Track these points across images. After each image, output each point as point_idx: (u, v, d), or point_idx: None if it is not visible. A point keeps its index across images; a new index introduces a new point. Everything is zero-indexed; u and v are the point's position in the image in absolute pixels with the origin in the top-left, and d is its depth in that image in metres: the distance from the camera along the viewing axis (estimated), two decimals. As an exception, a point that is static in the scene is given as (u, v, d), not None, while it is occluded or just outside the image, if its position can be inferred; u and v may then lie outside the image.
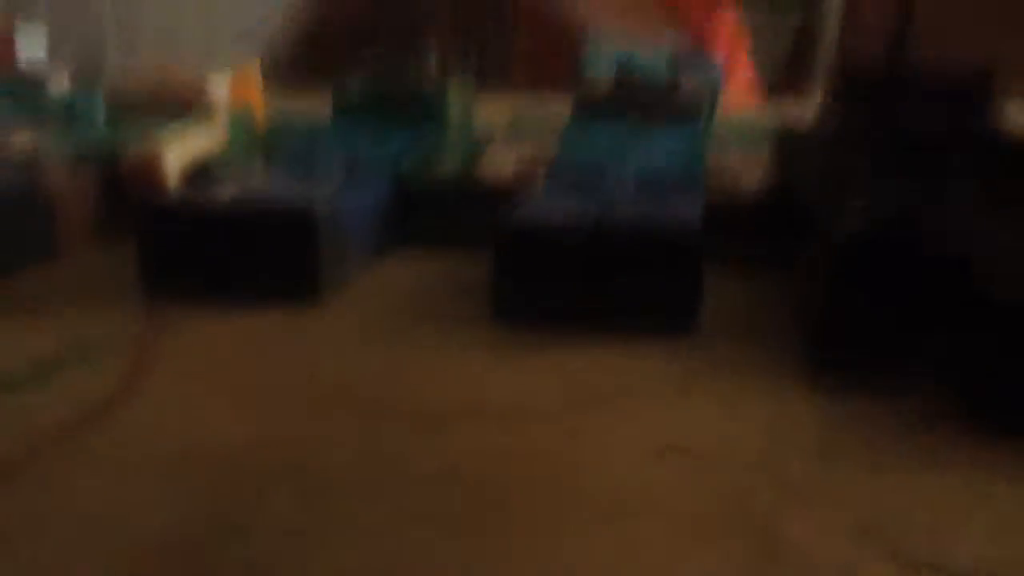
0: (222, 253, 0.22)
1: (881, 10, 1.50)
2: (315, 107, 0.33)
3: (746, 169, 0.28)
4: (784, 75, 1.70)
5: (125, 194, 0.27)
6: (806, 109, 0.35)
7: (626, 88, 0.32)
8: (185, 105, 0.32)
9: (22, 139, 0.30)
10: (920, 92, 0.27)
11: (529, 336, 0.20)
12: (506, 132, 0.31)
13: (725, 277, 0.24)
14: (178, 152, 0.28)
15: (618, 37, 0.38)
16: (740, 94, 0.86)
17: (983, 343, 0.15)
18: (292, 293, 0.22)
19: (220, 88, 0.33)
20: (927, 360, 0.17)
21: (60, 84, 0.39)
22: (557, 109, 0.33)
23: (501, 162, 0.28)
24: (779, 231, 0.24)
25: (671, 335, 0.20)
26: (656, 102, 0.31)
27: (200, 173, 0.28)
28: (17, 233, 0.24)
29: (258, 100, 0.35)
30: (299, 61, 0.68)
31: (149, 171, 0.27)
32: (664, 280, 0.20)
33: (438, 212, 0.26)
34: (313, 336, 0.20)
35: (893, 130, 0.24)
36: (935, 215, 0.18)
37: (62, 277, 0.24)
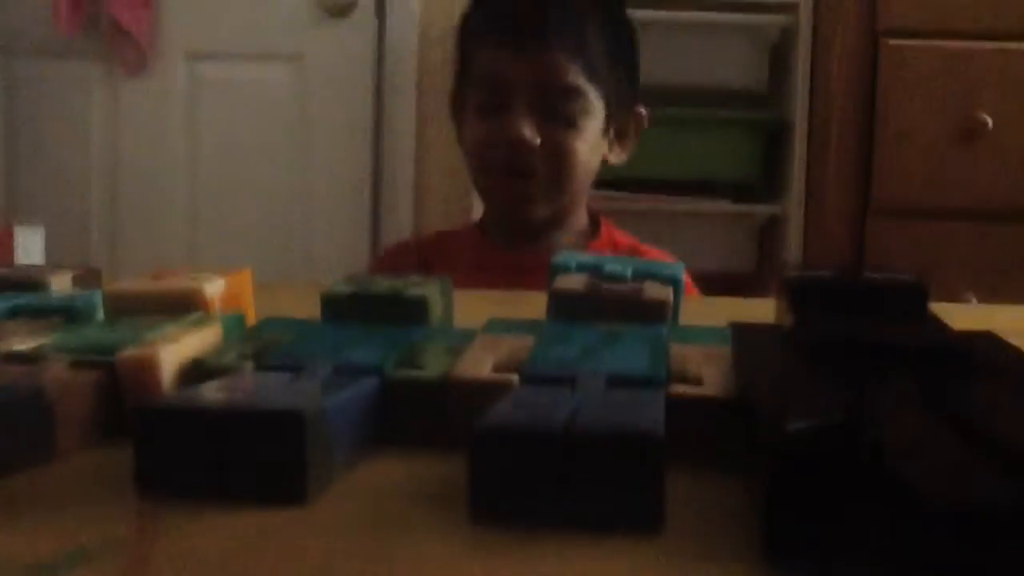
0: (214, 453, 0.23)
1: (840, 217, 1.57)
2: (305, 309, 0.36)
3: (708, 366, 0.30)
4: (753, 268, 1.76)
5: (122, 395, 0.28)
6: (769, 308, 0.37)
7: (595, 292, 0.35)
8: (181, 308, 0.34)
9: (24, 339, 0.32)
10: (866, 302, 0.30)
11: (505, 537, 0.21)
12: (484, 333, 0.33)
13: (692, 471, 0.25)
14: (173, 354, 0.29)
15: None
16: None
17: (916, 544, 0.16)
18: (280, 492, 0.23)
19: (215, 292, 0.35)
20: (872, 555, 0.18)
21: (62, 285, 0.41)
22: (531, 313, 0.36)
23: (479, 362, 0.29)
24: (739, 428, 0.26)
25: (639, 533, 0.21)
26: (623, 306, 0.34)
27: (194, 374, 0.29)
28: (16, 434, 0.25)
29: (250, 304, 0.38)
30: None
31: (145, 373, 0.28)
32: (629, 482, 0.22)
33: (420, 412, 0.28)
34: (298, 539, 0.21)
35: (840, 336, 0.27)
36: (875, 420, 0.20)
37: (59, 478, 0.25)
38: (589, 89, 0.94)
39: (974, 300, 1.48)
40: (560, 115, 0.93)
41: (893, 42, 1.57)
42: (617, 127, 1.01)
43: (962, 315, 0.37)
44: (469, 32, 1.00)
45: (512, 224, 1.00)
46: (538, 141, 0.92)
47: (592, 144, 0.96)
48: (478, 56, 0.97)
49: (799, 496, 0.18)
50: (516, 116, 0.92)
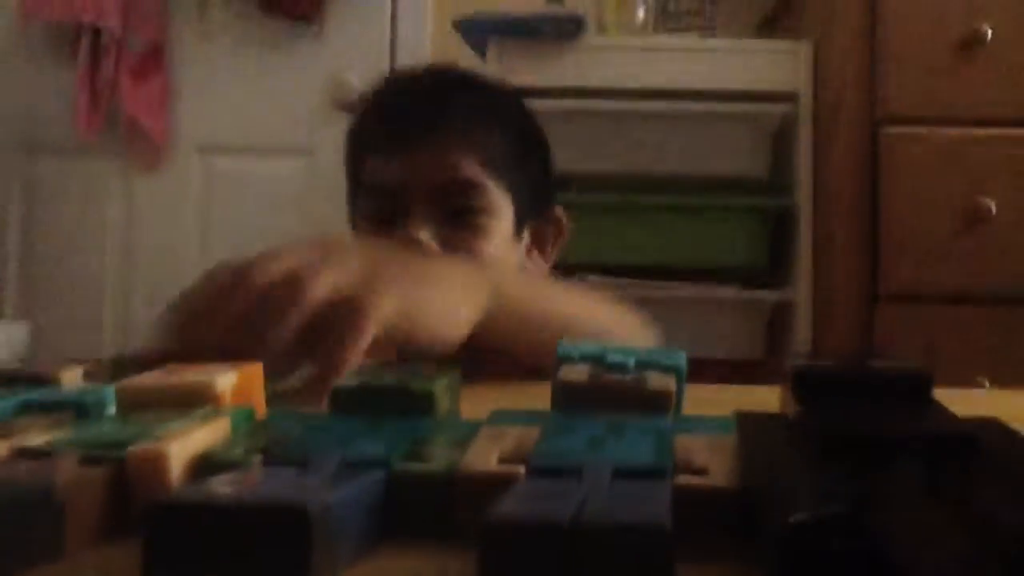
0: (220, 548, 0.23)
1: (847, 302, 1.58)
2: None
3: (714, 456, 0.30)
4: (761, 355, 1.75)
5: (131, 491, 0.29)
6: (775, 396, 0.37)
7: (599, 384, 0.35)
8: (192, 402, 0.34)
9: (34, 435, 0.32)
10: (870, 390, 0.30)
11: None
12: (489, 424, 0.33)
13: (699, 562, 0.25)
14: (183, 449, 0.30)
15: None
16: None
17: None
18: (287, 588, 0.23)
19: (225, 386, 0.35)
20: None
21: (72, 380, 0.42)
22: (536, 403, 0.36)
23: (485, 454, 0.29)
24: (744, 518, 0.26)
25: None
26: (627, 397, 0.34)
27: (203, 469, 0.30)
28: (26, 532, 0.25)
29: (260, 398, 0.38)
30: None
31: (154, 468, 0.29)
32: (638, 574, 0.22)
33: (426, 505, 0.28)
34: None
35: (843, 427, 0.27)
36: (877, 511, 0.20)
37: (66, 573, 0.25)
38: (490, 185, 0.86)
39: (987, 384, 1.47)
40: (461, 215, 0.85)
41: (893, 130, 1.59)
42: (533, 232, 0.93)
43: (969, 401, 0.37)
44: (357, 141, 0.94)
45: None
46: (435, 246, 0.82)
47: (502, 248, 0.87)
48: (368, 164, 0.89)
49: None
50: (411, 222, 0.83)
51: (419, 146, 0.85)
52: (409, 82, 0.95)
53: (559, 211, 0.97)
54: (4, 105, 2.20)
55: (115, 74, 2.12)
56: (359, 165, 0.91)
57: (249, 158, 2.17)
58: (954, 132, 1.59)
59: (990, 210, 1.56)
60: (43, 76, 2.19)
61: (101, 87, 2.12)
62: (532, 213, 0.91)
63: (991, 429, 0.30)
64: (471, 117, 0.88)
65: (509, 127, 0.91)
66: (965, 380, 1.44)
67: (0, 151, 2.21)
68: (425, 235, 0.82)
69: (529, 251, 0.93)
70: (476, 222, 0.85)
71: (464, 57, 1.84)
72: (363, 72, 2.10)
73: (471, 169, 0.86)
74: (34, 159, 2.22)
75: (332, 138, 2.13)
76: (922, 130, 1.60)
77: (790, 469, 0.24)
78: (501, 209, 0.87)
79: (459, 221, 0.85)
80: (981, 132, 1.59)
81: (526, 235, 0.92)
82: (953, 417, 0.29)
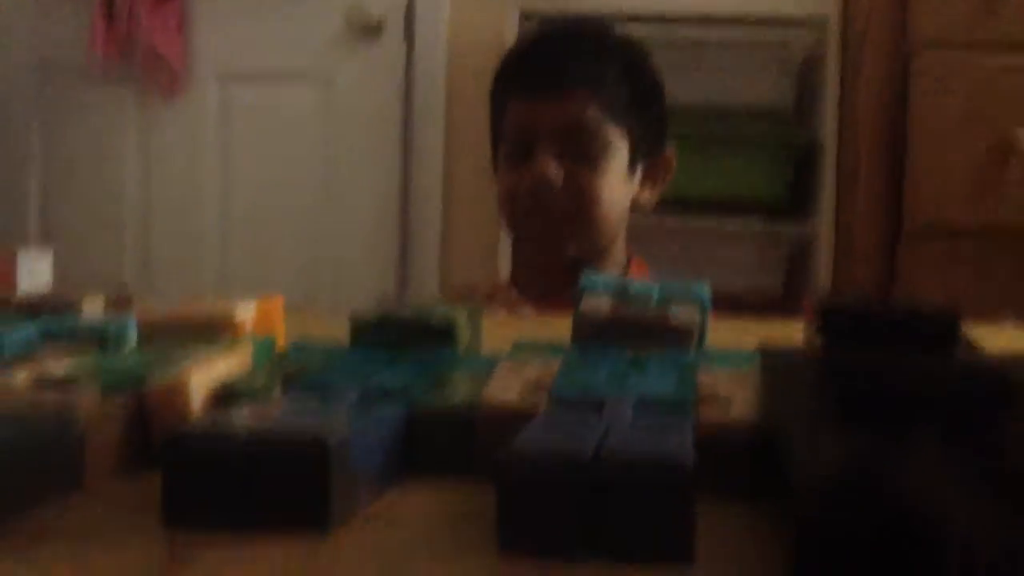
0: (240, 482, 0.23)
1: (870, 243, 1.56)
2: (334, 334, 0.36)
3: (736, 392, 0.30)
4: (781, 289, 1.74)
5: (151, 422, 0.29)
6: (797, 331, 0.37)
7: (621, 317, 0.34)
8: (212, 332, 0.34)
9: (55, 364, 0.32)
10: (897, 330, 0.29)
11: (534, 565, 0.21)
12: (510, 357, 0.33)
13: (720, 499, 0.25)
14: (203, 379, 0.30)
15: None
16: None
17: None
18: (306, 521, 0.23)
19: (245, 317, 0.35)
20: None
21: (93, 311, 0.42)
22: (558, 335, 0.36)
23: (506, 388, 0.29)
24: (767, 457, 0.26)
25: (669, 564, 0.21)
26: (649, 330, 0.34)
27: (223, 399, 0.30)
28: (46, 463, 0.25)
29: (280, 329, 0.38)
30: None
31: (175, 399, 0.29)
32: (659, 510, 0.21)
33: (447, 438, 0.28)
34: (323, 569, 0.21)
35: (870, 369, 0.26)
36: (902, 471, 0.20)
37: (87, 508, 0.25)
38: (610, 129, 0.98)
39: (1013, 320, 1.45)
40: (582, 155, 0.97)
41: (924, 58, 1.55)
42: (645, 169, 1.04)
43: (999, 337, 0.36)
44: (498, 90, 1.06)
45: (544, 268, 1.03)
46: (560, 181, 0.96)
47: (616, 184, 1.00)
48: (506, 110, 1.02)
49: (825, 547, 0.18)
50: (539, 159, 0.97)
51: (548, 93, 0.99)
52: (546, 34, 1.11)
53: (670, 151, 1.08)
54: (21, 32, 2.18)
55: (132, 1, 2.10)
56: (498, 114, 1.05)
57: (267, 86, 2.15)
58: (988, 61, 1.55)
59: (1021, 142, 1.53)
60: (60, 3, 2.16)
61: (118, 13, 2.10)
62: (646, 152, 1.03)
63: (1021, 365, 0.29)
64: (597, 67, 1.00)
65: (630, 76, 1.02)
66: (991, 317, 1.43)
67: (18, 77, 2.20)
68: (550, 172, 0.96)
69: (641, 185, 1.04)
70: (594, 162, 0.98)
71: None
72: (381, -1, 2.06)
73: (594, 115, 0.98)
74: (51, 85, 2.20)
75: (351, 66, 2.10)
76: (954, 55, 1.55)
77: (815, 418, 0.23)
78: (618, 149, 0.99)
79: (579, 160, 0.98)
80: (1017, 60, 1.55)
81: (639, 172, 1.04)
82: (983, 355, 0.29)
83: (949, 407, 0.23)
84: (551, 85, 0.99)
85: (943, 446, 0.21)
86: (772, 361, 0.29)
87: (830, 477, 0.19)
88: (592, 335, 0.35)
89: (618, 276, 0.98)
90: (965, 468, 0.19)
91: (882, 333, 0.28)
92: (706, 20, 1.67)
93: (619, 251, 1.04)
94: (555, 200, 0.97)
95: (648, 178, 1.06)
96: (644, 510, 0.21)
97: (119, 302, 0.44)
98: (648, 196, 1.06)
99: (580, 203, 0.98)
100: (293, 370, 0.32)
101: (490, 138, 1.10)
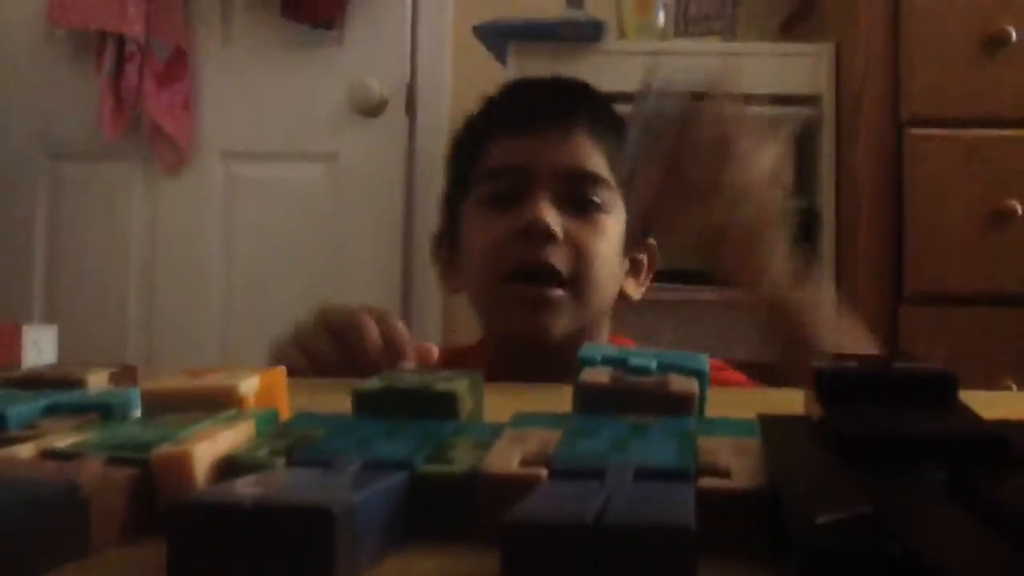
0: (244, 548, 0.23)
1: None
2: (337, 405, 0.36)
3: (737, 458, 0.30)
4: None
5: (156, 492, 0.29)
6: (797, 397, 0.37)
7: (621, 385, 0.35)
8: (216, 405, 0.35)
9: (60, 437, 0.32)
10: (895, 392, 0.30)
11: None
12: (512, 426, 0.33)
13: (722, 565, 0.25)
14: (207, 450, 0.30)
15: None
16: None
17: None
18: (310, 589, 0.23)
19: (249, 390, 0.36)
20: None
21: (99, 383, 0.42)
22: (558, 406, 0.36)
23: (508, 456, 0.29)
24: (769, 521, 0.26)
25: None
26: (650, 398, 0.34)
27: (227, 470, 0.30)
28: (51, 530, 0.25)
29: (284, 401, 0.38)
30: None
31: (179, 469, 0.29)
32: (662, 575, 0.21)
33: (448, 506, 0.28)
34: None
35: (868, 428, 0.27)
36: (903, 512, 0.20)
37: (93, 575, 0.25)
38: (611, 182, 0.86)
39: (1014, 387, 1.45)
40: (583, 208, 0.84)
41: (917, 132, 1.58)
42: (631, 254, 0.93)
43: (995, 403, 0.37)
44: (478, 130, 0.92)
45: (526, 347, 0.84)
46: (562, 232, 0.81)
47: (614, 250, 0.87)
48: (492, 150, 0.87)
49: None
50: (537, 204, 0.81)
51: (550, 128, 0.85)
52: (537, 80, 0.96)
53: (653, 242, 0.97)
54: (29, 111, 2.23)
55: (139, 80, 2.14)
56: (479, 152, 0.89)
57: (271, 163, 2.19)
58: (978, 133, 1.58)
59: (1015, 211, 1.55)
60: (67, 82, 2.21)
61: (125, 93, 2.14)
62: (631, 233, 0.91)
63: (1019, 430, 0.29)
64: (600, 117, 0.89)
65: (624, 143, 0.91)
66: (993, 383, 1.43)
67: (26, 156, 2.24)
68: (553, 219, 0.81)
69: (627, 273, 0.93)
70: (596, 216, 0.85)
71: (484, 62, 1.84)
72: (384, 77, 2.11)
73: (599, 160, 0.86)
74: (58, 164, 2.24)
75: (354, 142, 2.14)
76: (945, 131, 1.58)
77: (815, 471, 0.24)
78: (618, 212, 0.87)
79: (580, 213, 0.84)
80: (1005, 133, 1.58)
81: (627, 254, 0.92)
82: (980, 419, 0.29)
83: (946, 463, 0.23)
84: (555, 118, 0.85)
85: (942, 498, 0.21)
86: (772, 426, 0.29)
87: (828, 527, 0.19)
88: (592, 405, 0.35)
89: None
90: (963, 516, 0.19)
91: (880, 396, 0.29)
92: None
93: (604, 334, 0.91)
94: (554, 258, 0.81)
95: (633, 267, 0.94)
96: (646, 574, 0.21)
97: (124, 376, 0.44)
98: (634, 287, 0.94)
99: (580, 266, 0.82)
100: (296, 441, 0.32)
101: (447, 193, 0.94)
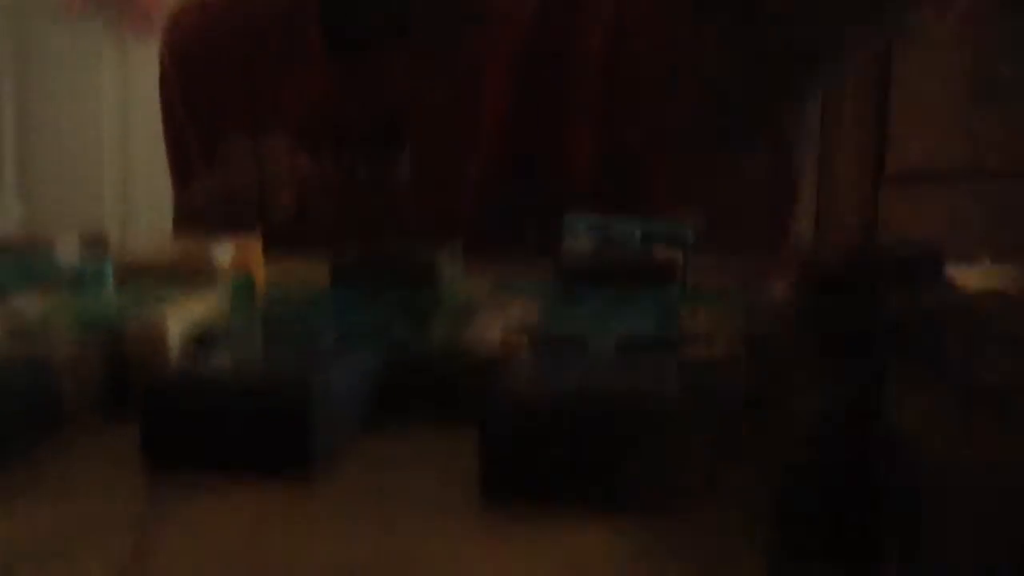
0: (219, 425, 0.23)
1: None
2: (315, 276, 0.35)
3: (719, 330, 0.29)
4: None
5: (128, 363, 0.28)
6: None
7: (603, 256, 0.34)
8: (190, 274, 0.34)
9: (28, 306, 0.32)
10: (878, 276, 0.29)
11: (518, 511, 0.21)
12: (492, 298, 0.33)
13: (706, 436, 0.25)
14: (181, 321, 0.29)
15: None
16: None
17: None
18: (286, 464, 0.23)
19: (223, 258, 0.35)
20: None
21: (69, 251, 0.41)
22: (539, 275, 0.35)
23: (488, 329, 0.29)
24: (751, 394, 0.26)
25: (655, 505, 0.21)
26: (632, 269, 0.33)
27: (201, 342, 0.29)
28: (20, 406, 0.25)
29: (260, 270, 0.37)
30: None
31: (152, 340, 0.28)
32: (643, 452, 0.21)
33: (427, 381, 0.27)
34: (303, 515, 0.21)
35: (854, 309, 0.26)
36: (887, 398, 0.20)
37: (64, 453, 0.25)
38: None
39: (988, 262, 1.47)
40: None
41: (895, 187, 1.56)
42: None
43: (977, 278, 0.36)
44: None
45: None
46: None
47: None
48: None
49: (812, 494, 0.18)
50: None
51: None
52: None
53: None
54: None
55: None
56: None
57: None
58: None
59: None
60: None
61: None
62: None
63: (1000, 303, 0.29)
64: None
65: None
66: (967, 259, 1.44)
67: (-11, 16, 2.15)
68: None
69: None
70: None
71: None
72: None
73: None
74: (26, 27, 2.16)
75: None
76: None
77: (800, 357, 0.23)
78: None
79: None
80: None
81: None
82: (964, 295, 0.29)
83: (931, 340, 0.23)
84: None
85: (926, 375, 0.21)
86: (755, 300, 0.29)
87: (814, 411, 0.18)
88: (574, 274, 0.34)
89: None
90: (947, 394, 0.19)
91: (867, 275, 0.28)
92: None
93: None
94: None
95: None
96: (628, 450, 0.21)
97: (95, 244, 0.43)
98: None
99: None
100: (272, 313, 0.31)
101: None
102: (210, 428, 0.23)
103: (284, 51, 0.69)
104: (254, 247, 0.38)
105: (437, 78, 0.63)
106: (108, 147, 2.16)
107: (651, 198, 0.60)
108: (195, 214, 0.62)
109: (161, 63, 0.76)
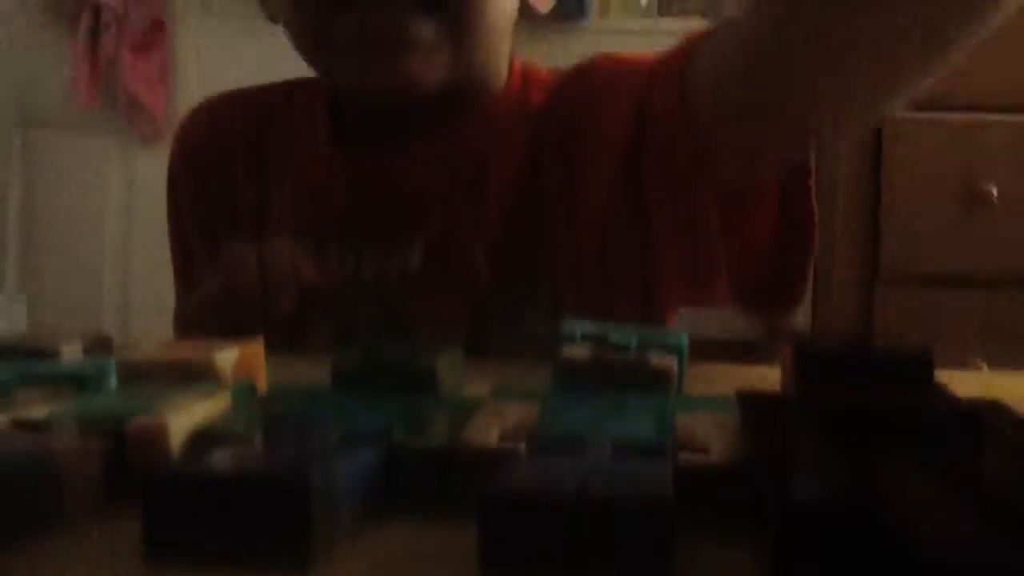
0: (220, 519, 0.23)
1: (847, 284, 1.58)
2: (316, 377, 0.36)
3: (715, 434, 0.30)
4: (757, 335, 1.76)
5: (130, 462, 0.28)
6: (774, 375, 0.37)
7: (601, 360, 0.35)
8: (193, 377, 0.34)
9: (33, 407, 0.32)
10: (873, 372, 0.30)
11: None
12: (491, 401, 0.33)
13: (699, 541, 0.25)
14: (183, 422, 0.30)
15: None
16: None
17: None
18: (286, 558, 0.23)
19: (227, 362, 0.35)
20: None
21: (73, 353, 0.41)
22: (538, 380, 0.36)
23: (486, 430, 0.29)
24: (746, 497, 0.26)
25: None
26: (628, 374, 0.34)
27: (203, 443, 0.29)
28: (24, 502, 0.25)
29: (261, 374, 0.38)
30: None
31: (154, 441, 0.29)
32: (639, 551, 0.22)
33: (426, 480, 0.28)
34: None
35: (846, 407, 0.27)
36: (883, 491, 0.20)
37: (66, 546, 0.25)
38: None
39: (985, 368, 1.47)
40: None
41: (896, 116, 1.59)
42: None
43: (970, 383, 0.37)
44: None
45: (383, 102, 0.62)
46: None
47: None
48: None
49: (805, 567, 0.18)
50: None
51: None
52: None
53: None
54: (4, 79, 2.19)
55: (116, 49, 2.11)
56: None
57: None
58: (957, 118, 1.59)
59: (991, 195, 1.56)
60: (42, 51, 2.17)
61: (101, 62, 2.11)
62: None
63: (994, 409, 0.30)
64: None
65: None
66: (963, 364, 1.44)
67: (0, 124, 2.20)
68: None
69: None
70: None
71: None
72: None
73: None
74: (33, 134, 2.21)
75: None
76: (925, 116, 1.59)
77: (793, 449, 0.24)
78: None
79: None
80: (983, 118, 1.58)
81: None
82: (955, 398, 0.29)
83: (922, 441, 0.24)
84: None
85: (920, 472, 0.21)
86: (750, 403, 0.29)
87: (809, 496, 0.19)
88: (572, 380, 0.35)
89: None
90: (941, 490, 0.19)
91: (858, 376, 0.29)
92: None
93: (503, 66, 0.67)
94: None
95: None
96: (624, 549, 0.21)
97: (98, 347, 0.43)
98: None
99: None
100: (273, 414, 0.32)
101: None
102: (212, 520, 0.23)
103: (292, 148, 0.71)
104: (256, 351, 0.38)
105: (444, 173, 0.64)
106: (110, 249, 2.19)
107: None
108: (197, 317, 0.63)
109: (171, 164, 0.78)
